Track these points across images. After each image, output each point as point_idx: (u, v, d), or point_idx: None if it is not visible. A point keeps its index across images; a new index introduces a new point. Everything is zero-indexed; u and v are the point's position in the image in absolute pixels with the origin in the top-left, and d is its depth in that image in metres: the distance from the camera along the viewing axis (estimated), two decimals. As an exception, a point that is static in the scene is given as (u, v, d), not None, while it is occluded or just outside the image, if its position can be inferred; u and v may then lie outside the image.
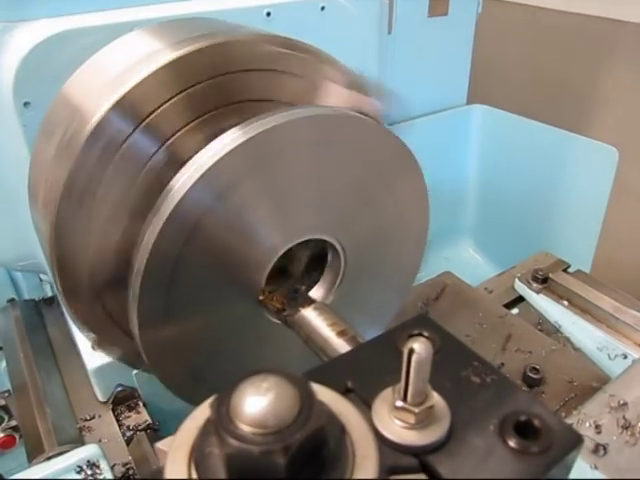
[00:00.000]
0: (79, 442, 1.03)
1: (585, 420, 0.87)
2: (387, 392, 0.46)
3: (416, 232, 0.85)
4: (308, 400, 0.33)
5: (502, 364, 1.08)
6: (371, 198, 0.77)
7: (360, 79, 0.84)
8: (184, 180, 0.65)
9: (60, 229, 0.69)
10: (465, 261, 2.08)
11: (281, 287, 0.75)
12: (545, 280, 1.36)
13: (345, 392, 0.49)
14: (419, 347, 0.40)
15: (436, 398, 0.45)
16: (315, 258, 0.80)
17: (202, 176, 0.64)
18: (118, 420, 1.08)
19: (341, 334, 0.64)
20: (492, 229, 2.03)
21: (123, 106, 0.69)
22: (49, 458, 0.95)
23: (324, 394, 0.39)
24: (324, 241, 0.76)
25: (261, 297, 0.71)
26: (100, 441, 1.04)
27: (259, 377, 0.33)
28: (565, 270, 1.43)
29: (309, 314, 0.69)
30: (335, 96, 0.79)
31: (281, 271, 0.76)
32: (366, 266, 0.81)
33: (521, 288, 1.38)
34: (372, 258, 0.81)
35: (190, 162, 0.67)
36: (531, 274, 1.37)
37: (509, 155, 1.88)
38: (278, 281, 0.75)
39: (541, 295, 1.35)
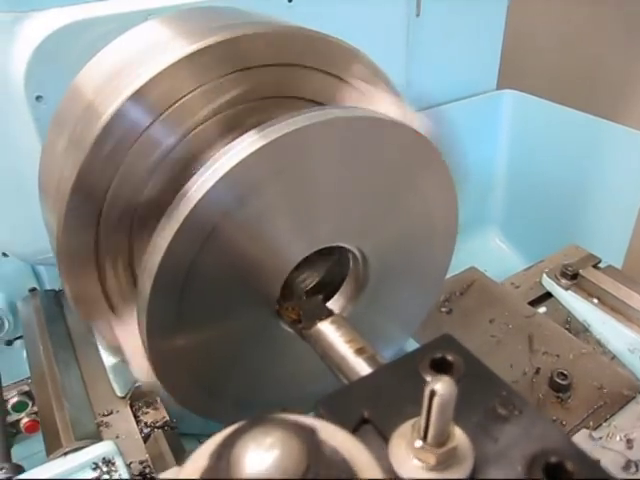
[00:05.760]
0: (96, 437, 1.03)
1: (615, 433, 0.83)
2: (406, 427, 0.43)
3: (445, 231, 0.81)
4: (316, 455, 0.30)
5: (537, 369, 1.03)
6: (396, 200, 0.73)
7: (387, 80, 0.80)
8: (202, 182, 0.61)
9: (68, 228, 0.67)
10: (492, 251, 2.02)
11: (298, 296, 0.72)
12: (574, 276, 1.31)
13: (361, 423, 0.46)
14: (442, 388, 0.37)
15: (459, 436, 0.42)
16: (336, 265, 0.77)
17: (221, 179, 0.60)
18: (136, 416, 1.08)
19: (359, 352, 0.61)
20: (521, 219, 1.96)
21: (137, 101, 0.65)
22: (66, 454, 0.95)
23: (334, 436, 0.36)
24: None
25: (277, 307, 0.68)
26: (117, 437, 1.04)
27: (262, 430, 0.30)
28: (596, 265, 1.38)
29: (326, 328, 0.66)
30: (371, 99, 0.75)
31: (299, 279, 0.74)
32: (393, 270, 0.77)
33: (549, 284, 1.33)
34: (399, 262, 0.77)
35: (209, 163, 0.64)
36: (560, 269, 1.32)
37: (540, 143, 1.81)
38: (295, 290, 0.73)
39: (570, 292, 1.30)
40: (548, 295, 1.33)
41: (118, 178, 0.68)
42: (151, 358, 0.62)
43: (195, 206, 0.59)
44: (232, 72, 0.69)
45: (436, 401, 0.37)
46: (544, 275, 1.34)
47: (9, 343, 1.43)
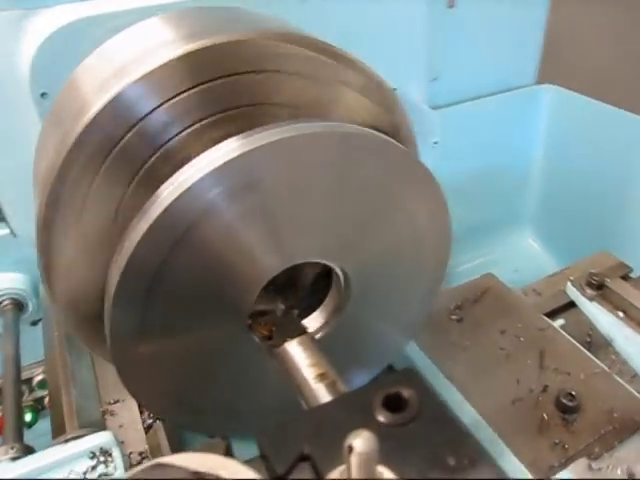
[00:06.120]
0: (101, 425, 1.05)
1: (617, 465, 0.78)
2: (338, 471, 0.41)
3: (435, 246, 0.78)
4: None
5: (544, 387, 0.98)
6: (381, 219, 0.71)
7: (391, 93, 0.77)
8: (176, 185, 0.60)
9: (48, 227, 0.67)
10: (524, 251, 1.95)
11: (271, 311, 0.71)
12: (600, 286, 1.24)
13: (300, 459, 0.44)
14: (360, 446, 0.35)
15: (392, 487, 0.40)
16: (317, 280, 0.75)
17: (196, 182, 0.59)
18: (140, 406, 1.09)
19: (320, 378, 0.59)
20: (555, 220, 1.88)
21: (121, 102, 0.65)
22: (67, 440, 0.97)
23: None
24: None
25: (249, 321, 0.67)
26: (121, 427, 1.06)
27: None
28: (626, 275, 1.31)
29: (292, 349, 0.64)
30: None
31: (274, 293, 0.72)
32: (377, 286, 0.75)
33: (573, 293, 1.27)
34: (384, 278, 0.75)
35: (187, 165, 0.63)
36: (586, 278, 1.26)
37: (579, 141, 1.72)
38: (271, 303, 0.71)
39: (594, 303, 1.24)
40: (572, 305, 1.28)
41: (99, 180, 0.67)
42: (115, 363, 0.62)
43: (166, 208, 0.59)
44: (221, 77, 0.68)
45: (354, 458, 0.35)
46: (568, 283, 1.28)
47: (34, 323, 1.48)
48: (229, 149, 0.62)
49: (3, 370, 1.23)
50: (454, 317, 1.14)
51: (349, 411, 0.48)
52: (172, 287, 0.62)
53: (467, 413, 0.97)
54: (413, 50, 1.19)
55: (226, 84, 0.68)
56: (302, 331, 0.67)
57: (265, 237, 0.65)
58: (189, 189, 0.59)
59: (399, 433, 0.45)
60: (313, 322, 0.75)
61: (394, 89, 1.21)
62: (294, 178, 0.64)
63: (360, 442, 0.34)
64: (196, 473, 0.33)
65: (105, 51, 0.76)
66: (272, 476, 0.44)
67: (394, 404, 0.47)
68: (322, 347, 0.72)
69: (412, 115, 1.26)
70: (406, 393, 0.48)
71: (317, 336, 0.73)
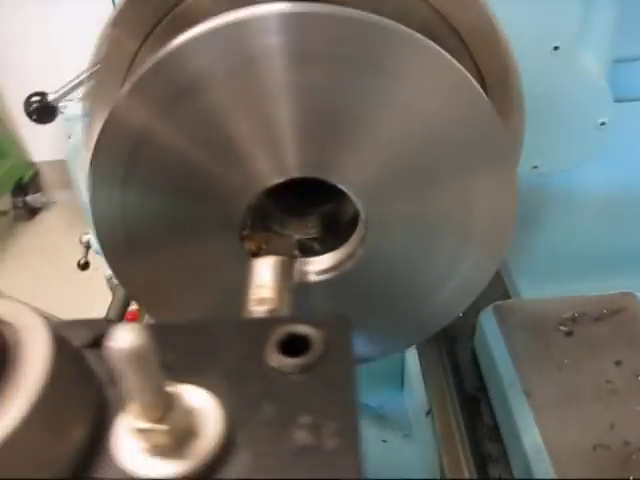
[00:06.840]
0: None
1: None
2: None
3: (484, 244, 0.61)
4: None
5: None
6: (433, 180, 0.57)
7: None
8: (187, 34, 0.51)
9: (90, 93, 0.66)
10: None
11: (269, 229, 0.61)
12: None
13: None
14: (120, 340, 0.26)
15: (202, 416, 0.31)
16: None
17: (207, 33, 0.50)
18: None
19: (262, 302, 0.49)
20: None
21: None
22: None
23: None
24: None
25: (243, 232, 0.58)
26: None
27: None
28: None
29: (259, 265, 0.54)
30: None
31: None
32: (399, 249, 0.61)
33: None
34: (411, 244, 0.60)
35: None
36: None
37: None
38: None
39: None
40: None
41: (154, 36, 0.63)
42: (108, 262, 0.59)
43: (164, 56, 0.51)
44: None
45: (114, 357, 0.26)
46: None
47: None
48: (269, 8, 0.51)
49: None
50: (563, 328, 0.93)
51: (243, 338, 0.39)
52: (154, 161, 0.55)
53: (530, 438, 0.79)
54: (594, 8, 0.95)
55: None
56: (288, 255, 0.58)
57: (298, 128, 0.54)
58: (185, 44, 0.50)
59: (278, 379, 0.35)
60: (322, 263, 0.64)
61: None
62: (371, 75, 0.52)
63: (120, 337, 0.26)
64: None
65: None
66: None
67: (295, 346, 0.37)
68: (332, 291, 0.62)
69: (578, 85, 1.03)
70: (314, 339, 0.37)
71: (320, 277, 0.62)
